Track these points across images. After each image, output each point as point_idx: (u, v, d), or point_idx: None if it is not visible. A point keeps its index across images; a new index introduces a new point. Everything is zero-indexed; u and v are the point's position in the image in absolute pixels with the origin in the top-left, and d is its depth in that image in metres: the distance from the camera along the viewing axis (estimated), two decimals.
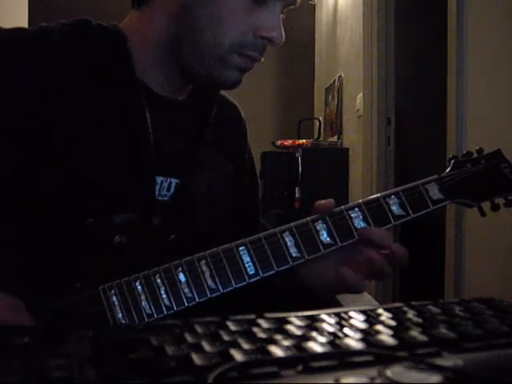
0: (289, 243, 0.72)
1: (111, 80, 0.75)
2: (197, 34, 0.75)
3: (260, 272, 0.71)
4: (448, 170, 0.79)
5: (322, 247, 0.73)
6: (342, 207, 0.75)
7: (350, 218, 0.75)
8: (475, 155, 0.80)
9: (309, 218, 0.74)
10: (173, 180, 0.79)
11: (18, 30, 0.75)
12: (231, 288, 0.70)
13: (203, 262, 0.69)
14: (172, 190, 0.79)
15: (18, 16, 2.96)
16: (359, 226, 0.75)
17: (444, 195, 0.77)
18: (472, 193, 0.78)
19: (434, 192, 0.77)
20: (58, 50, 0.73)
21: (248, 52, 0.76)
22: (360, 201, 0.76)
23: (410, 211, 0.76)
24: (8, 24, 0.75)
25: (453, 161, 0.80)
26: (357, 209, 0.75)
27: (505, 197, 0.79)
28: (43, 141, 0.70)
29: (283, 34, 0.77)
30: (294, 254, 0.72)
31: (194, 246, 0.71)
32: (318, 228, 0.74)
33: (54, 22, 0.77)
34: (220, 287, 0.69)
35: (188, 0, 0.74)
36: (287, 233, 0.73)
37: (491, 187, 0.79)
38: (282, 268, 0.72)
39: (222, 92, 0.89)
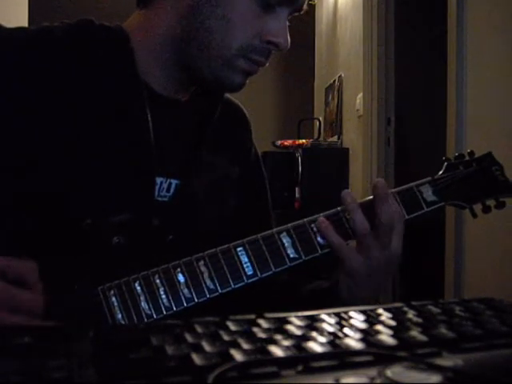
0: (286, 244, 0.73)
1: (112, 79, 0.75)
2: (205, 34, 0.75)
3: (258, 273, 0.71)
4: (441, 172, 0.80)
5: (319, 248, 0.73)
6: (339, 208, 0.75)
7: (347, 219, 0.75)
8: (467, 158, 0.82)
9: (306, 219, 0.74)
10: (173, 181, 0.79)
11: (19, 30, 0.75)
12: (229, 288, 0.70)
13: (202, 262, 0.69)
14: (172, 190, 0.79)
15: (18, 16, 2.96)
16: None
17: (438, 197, 0.78)
18: (464, 195, 0.80)
19: (428, 194, 0.78)
20: (59, 49, 0.73)
21: (254, 56, 0.76)
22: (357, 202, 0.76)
23: (405, 213, 0.76)
24: (8, 24, 0.75)
25: (446, 163, 0.81)
26: None
27: (496, 199, 0.80)
28: (43, 140, 0.70)
29: (289, 40, 0.77)
30: (291, 255, 0.73)
31: (194, 247, 0.71)
32: (315, 229, 0.74)
33: (56, 22, 0.77)
34: (219, 288, 0.69)
35: (198, 0, 0.74)
36: (284, 233, 0.73)
37: (483, 189, 0.80)
38: (280, 269, 0.72)
39: (227, 94, 0.89)
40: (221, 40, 0.74)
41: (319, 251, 0.74)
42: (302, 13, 0.81)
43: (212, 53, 0.75)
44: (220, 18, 0.74)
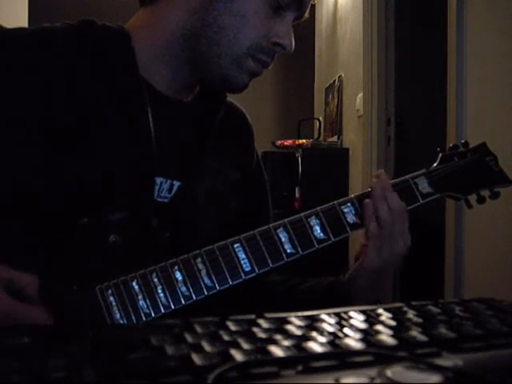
0: (283, 239, 0.72)
1: (113, 78, 0.75)
2: (217, 31, 0.75)
3: (256, 269, 0.71)
4: (436, 163, 0.81)
5: (315, 243, 0.73)
6: (335, 202, 0.76)
7: (343, 212, 0.75)
8: (461, 149, 0.82)
9: (302, 214, 0.74)
10: (175, 182, 0.79)
11: (20, 30, 0.75)
12: (227, 285, 0.69)
13: (199, 259, 0.69)
14: (174, 191, 0.79)
15: (18, 16, 2.96)
16: (351, 221, 0.75)
17: (433, 189, 0.78)
18: (460, 186, 0.80)
19: (424, 186, 0.78)
20: (60, 49, 0.73)
21: (262, 56, 0.78)
22: (352, 195, 0.77)
23: None
24: (8, 24, 0.76)
25: (440, 154, 0.81)
26: (349, 204, 0.76)
27: (490, 189, 0.81)
28: (43, 140, 0.70)
29: (293, 43, 0.79)
30: (288, 250, 0.72)
31: (191, 246, 0.70)
32: (311, 224, 0.74)
33: (59, 23, 0.77)
34: (216, 285, 0.69)
35: None
36: (281, 229, 0.73)
37: (477, 180, 0.81)
38: (278, 264, 0.72)
39: (229, 98, 0.89)
40: (233, 37, 0.75)
41: (316, 245, 0.74)
42: (302, 20, 0.82)
43: (222, 50, 0.76)
44: (234, 15, 0.74)
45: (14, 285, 0.60)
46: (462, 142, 0.83)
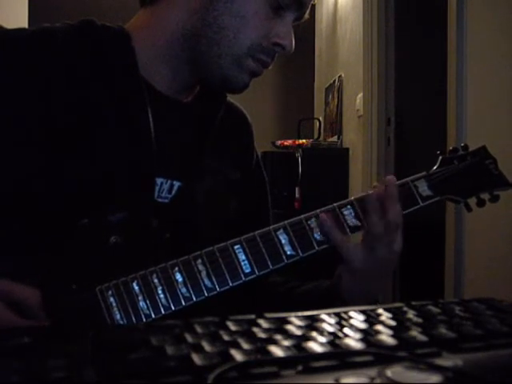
0: (283, 241, 0.73)
1: (113, 78, 0.75)
2: (217, 31, 0.75)
3: (256, 270, 0.71)
4: (436, 166, 0.81)
5: (315, 245, 0.74)
6: (335, 204, 0.76)
7: (343, 215, 0.75)
8: (461, 152, 0.82)
9: (302, 216, 0.74)
10: (175, 183, 0.79)
11: (20, 30, 0.75)
12: (228, 287, 0.70)
13: (199, 261, 0.69)
14: (174, 192, 0.79)
15: (18, 16, 2.96)
16: (351, 224, 0.75)
17: (433, 192, 0.78)
18: (459, 189, 0.80)
19: (424, 189, 0.78)
20: (60, 49, 0.73)
21: (262, 56, 0.78)
22: (352, 198, 0.77)
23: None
24: (8, 24, 0.76)
25: (440, 157, 0.81)
26: (349, 206, 0.76)
27: (490, 192, 0.81)
28: (43, 140, 0.70)
29: (293, 44, 0.79)
30: (288, 252, 0.73)
31: (192, 247, 0.70)
32: (311, 226, 0.74)
33: (59, 23, 0.77)
34: (217, 286, 0.69)
35: None
36: (281, 231, 0.73)
37: (477, 183, 0.81)
38: (277, 266, 0.72)
39: (228, 98, 0.89)
40: (233, 37, 0.75)
41: (316, 247, 0.74)
42: (302, 21, 0.82)
43: (222, 50, 0.76)
44: (234, 16, 0.75)
45: (14, 296, 0.60)
46: (462, 145, 0.83)
